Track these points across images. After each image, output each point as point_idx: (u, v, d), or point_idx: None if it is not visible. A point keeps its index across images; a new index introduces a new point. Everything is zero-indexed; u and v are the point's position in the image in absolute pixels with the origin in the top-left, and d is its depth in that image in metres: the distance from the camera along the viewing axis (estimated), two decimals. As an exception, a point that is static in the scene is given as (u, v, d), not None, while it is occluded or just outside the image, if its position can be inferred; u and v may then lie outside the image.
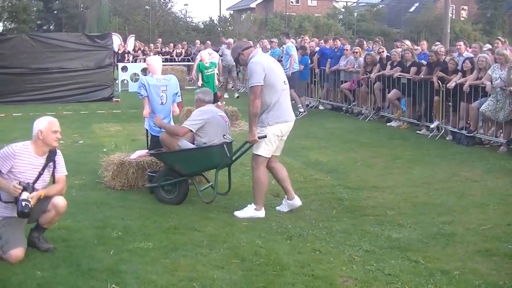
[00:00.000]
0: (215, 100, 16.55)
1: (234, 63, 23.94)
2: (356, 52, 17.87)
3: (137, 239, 6.69)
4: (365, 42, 19.71)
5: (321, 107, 19.86)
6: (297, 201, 8.06)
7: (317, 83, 20.05)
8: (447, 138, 13.74)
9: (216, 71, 16.83)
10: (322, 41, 21.25)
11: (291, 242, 6.70)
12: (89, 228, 7.09)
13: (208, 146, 8.24)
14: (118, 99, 21.74)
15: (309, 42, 21.58)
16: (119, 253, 6.26)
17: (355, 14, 59.45)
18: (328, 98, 19.77)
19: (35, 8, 67.29)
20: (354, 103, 18.19)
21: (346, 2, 60.85)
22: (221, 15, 56.89)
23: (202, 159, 8.31)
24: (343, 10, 61.17)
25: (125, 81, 26.61)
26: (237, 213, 7.78)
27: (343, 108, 18.79)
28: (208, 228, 7.14)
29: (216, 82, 16.95)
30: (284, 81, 7.86)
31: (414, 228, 7.26)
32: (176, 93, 9.75)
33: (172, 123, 9.45)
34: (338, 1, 63.90)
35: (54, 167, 6.44)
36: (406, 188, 9.32)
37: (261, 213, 7.77)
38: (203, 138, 8.26)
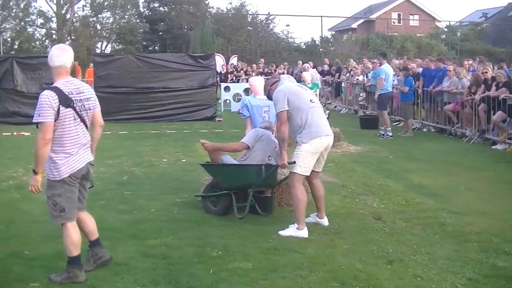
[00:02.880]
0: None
1: None
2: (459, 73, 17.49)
3: (237, 258, 6.69)
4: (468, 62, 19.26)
5: (424, 129, 19.46)
6: (325, 222, 8.27)
7: (419, 104, 19.68)
8: (557, 163, 13.17)
9: (318, 92, 16.81)
10: (425, 62, 20.82)
11: (392, 267, 6.54)
12: (189, 246, 7.15)
13: (244, 165, 8.66)
14: (221, 119, 22.02)
15: (412, 63, 21.27)
16: (218, 272, 6.27)
17: (458, 33, 58.18)
18: (431, 119, 19.36)
19: (141, 30, 69.27)
20: (458, 125, 17.75)
21: (449, 21, 59.79)
22: (323, 36, 56.89)
23: (238, 176, 8.56)
24: (446, 29, 59.98)
25: (228, 101, 26.89)
26: (281, 232, 7.76)
27: (447, 130, 18.34)
28: (308, 250, 7.08)
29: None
30: (311, 100, 8.01)
31: (522, 256, 6.97)
32: (279, 114, 9.76)
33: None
34: (440, 21, 62.92)
35: None
36: (513, 214, 8.97)
37: (304, 233, 7.72)
38: (250, 152, 8.69)
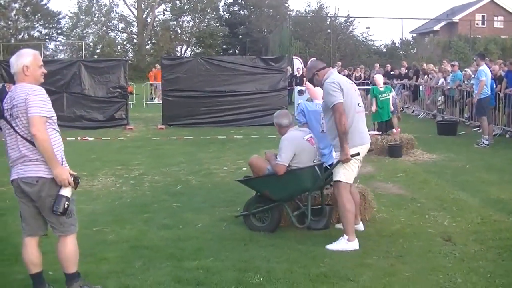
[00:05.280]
0: (390, 126, 15.58)
1: None
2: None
3: (279, 287, 5.91)
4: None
5: (506, 135, 18.13)
6: (360, 227, 7.96)
7: (501, 109, 18.38)
8: None
9: (390, 96, 15.82)
10: (508, 64, 19.44)
11: (459, 303, 5.61)
12: (230, 270, 6.39)
13: (298, 169, 7.71)
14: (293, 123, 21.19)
15: (494, 65, 19.99)
16: (255, 305, 5.48)
17: (545, 34, 55.72)
18: (514, 125, 18.06)
19: (221, 33, 69.42)
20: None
21: (535, 22, 57.28)
22: (404, 38, 55.47)
23: (292, 183, 7.76)
24: (532, 31, 57.62)
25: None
26: (329, 247, 7.28)
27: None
28: (363, 277, 6.19)
29: (391, 107, 15.89)
30: (359, 104, 7.54)
31: None
32: (340, 120, 8.85)
33: (334, 154, 8.48)
34: (526, 22, 60.47)
35: None
36: None
37: (354, 244, 7.28)
38: (294, 167, 7.72)
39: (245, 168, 12.43)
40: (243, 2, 71.13)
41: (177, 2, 71.38)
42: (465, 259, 6.86)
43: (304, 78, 31.30)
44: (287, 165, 7.66)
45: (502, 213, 8.91)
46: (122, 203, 9.72)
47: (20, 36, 65.40)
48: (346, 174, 7.35)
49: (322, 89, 7.75)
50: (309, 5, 74.87)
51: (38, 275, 5.66)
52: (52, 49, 68.07)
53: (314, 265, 6.59)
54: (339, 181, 7.38)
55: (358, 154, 7.30)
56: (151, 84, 35.05)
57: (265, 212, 8.02)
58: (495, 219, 8.60)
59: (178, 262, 6.67)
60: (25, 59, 5.46)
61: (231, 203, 9.55)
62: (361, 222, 8.00)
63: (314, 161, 7.85)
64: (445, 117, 22.15)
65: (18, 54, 5.55)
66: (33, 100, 5.21)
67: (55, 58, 57.57)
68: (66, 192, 5.35)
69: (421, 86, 25.97)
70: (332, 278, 6.18)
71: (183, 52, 72.09)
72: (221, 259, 6.76)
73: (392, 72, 30.54)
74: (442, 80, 23.29)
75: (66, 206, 5.33)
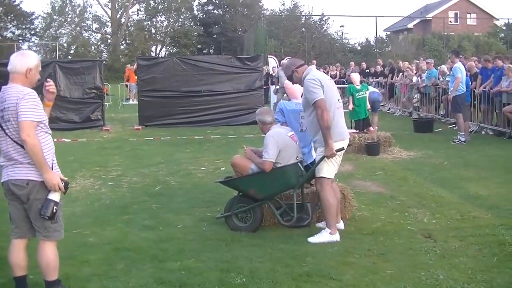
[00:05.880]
0: (367, 124, 15.62)
1: None
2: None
3: (262, 286, 5.90)
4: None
5: (483, 132, 18.26)
6: (341, 225, 7.92)
7: (477, 106, 18.50)
8: None
9: (367, 94, 15.85)
10: (482, 61, 19.57)
11: (442, 299, 5.64)
12: (212, 270, 6.36)
13: (283, 166, 7.74)
14: (268, 123, 21.18)
15: (469, 62, 20.13)
16: (239, 305, 5.47)
17: (518, 31, 56.28)
18: (489, 122, 18.19)
19: (195, 33, 69.37)
20: (518, 128, 16.54)
21: (508, 19, 57.76)
22: (378, 36, 55.73)
23: (278, 181, 7.78)
24: (504, 28, 58.09)
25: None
26: (311, 239, 7.45)
27: (506, 133, 17.14)
28: (346, 276, 6.20)
29: (368, 106, 15.91)
30: (339, 99, 7.69)
31: None
32: (317, 119, 8.83)
33: (313, 152, 8.48)
34: (499, 19, 61.03)
35: None
36: None
37: (336, 237, 7.49)
38: (279, 164, 7.74)
39: (223, 168, 12.45)
40: (217, 2, 71.19)
41: (151, 2, 71.31)
42: (446, 255, 6.89)
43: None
44: (274, 161, 7.68)
45: (481, 209, 8.99)
46: (102, 205, 9.65)
47: (-7, 37, 64.91)
48: (329, 170, 7.45)
49: (301, 86, 7.78)
50: (283, 4, 74.98)
51: (22, 278, 5.61)
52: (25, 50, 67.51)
53: (296, 264, 6.58)
54: (322, 177, 7.46)
55: (343, 149, 7.42)
56: (126, 85, 34.89)
57: (248, 212, 7.99)
58: (474, 215, 8.66)
59: (160, 263, 6.63)
60: (31, 62, 5.39)
61: (211, 203, 9.52)
62: (341, 221, 8.00)
63: (298, 158, 7.88)
64: (421, 115, 22.30)
65: (22, 54, 5.46)
66: (24, 104, 5.14)
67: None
68: (55, 196, 5.31)
69: (396, 84, 26.06)
70: (315, 277, 6.18)
71: (157, 52, 72.00)
72: (203, 260, 6.73)
73: (367, 70, 30.71)
74: (416, 78, 23.41)
75: (54, 210, 5.29)
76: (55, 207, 5.29)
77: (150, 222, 8.48)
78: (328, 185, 7.52)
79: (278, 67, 26.31)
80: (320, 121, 7.25)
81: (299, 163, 7.84)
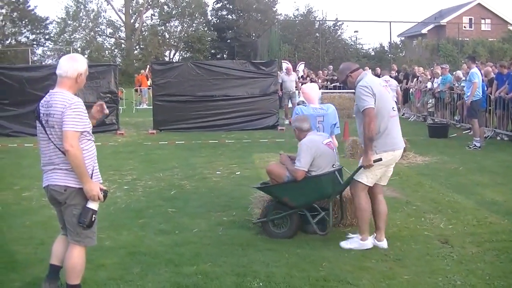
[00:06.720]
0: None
1: (294, 90, 23.22)
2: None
3: (279, 292, 5.89)
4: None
5: (498, 138, 18.18)
6: (384, 244, 7.47)
7: (492, 111, 18.43)
8: None
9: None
10: (498, 66, 19.48)
11: (460, 305, 5.60)
12: (228, 275, 6.35)
13: (319, 175, 7.57)
14: (283, 128, 21.22)
15: (485, 68, 20.04)
16: (256, 309, 5.46)
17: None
18: (504, 127, 18.09)
19: (209, 38, 69.43)
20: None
21: (523, 24, 57.54)
22: (392, 42, 55.64)
23: (313, 189, 7.63)
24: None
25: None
26: (343, 244, 7.40)
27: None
28: (362, 281, 6.18)
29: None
30: (393, 108, 7.39)
31: None
32: (335, 124, 8.72)
33: None
34: (513, 24, 60.78)
35: None
36: None
37: (368, 243, 7.36)
38: (313, 172, 7.59)
39: (239, 173, 12.48)
40: (231, 7, 71.26)
41: (165, 7, 71.47)
42: (463, 261, 6.86)
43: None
44: (306, 170, 7.55)
45: (498, 215, 8.93)
46: (117, 209, 9.65)
47: (7, 42, 65.30)
48: (368, 176, 7.31)
49: (354, 91, 7.49)
50: (297, 9, 75.04)
51: (55, 267, 5.73)
52: (39, 54, 68.02)
53: (313, 269, 6.56)
54: (359, 181, 7.36)
55: (380, 159, 7.18)
56: (136, 90, 34.94)
57: (283, 218, 7.88)
58: (490, 221, 8.61)
59: (176, 267, 6.62)
60: (81, 66, 5.38)
61: (226, 207, 9.49)
62: (385, 239, 7.54)
63: (334, 166, 7.73)
64: (436, 120, 22.21)
65: (72, 58, 5.43)
66: (70, 113, 5.12)
67: (43, 63, 57.32)
68: (94, 205, 5.35)
69: (411, 89, 26.00)
70: (331, 282, 6.15)
71: (171, 57, 72.10)
72: (220, 264, 6.71)
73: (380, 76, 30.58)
74: (431, 83, 23.34)
75: (92, 219, 5.34)
76: (94, 216, 5.34)
77: (166, 226, 8.47)
78: (362, 191, 7.39)
79: (283, 72, 26.24)
80: (365, 130, 7.11)
81: (336, 172, 7.72)
